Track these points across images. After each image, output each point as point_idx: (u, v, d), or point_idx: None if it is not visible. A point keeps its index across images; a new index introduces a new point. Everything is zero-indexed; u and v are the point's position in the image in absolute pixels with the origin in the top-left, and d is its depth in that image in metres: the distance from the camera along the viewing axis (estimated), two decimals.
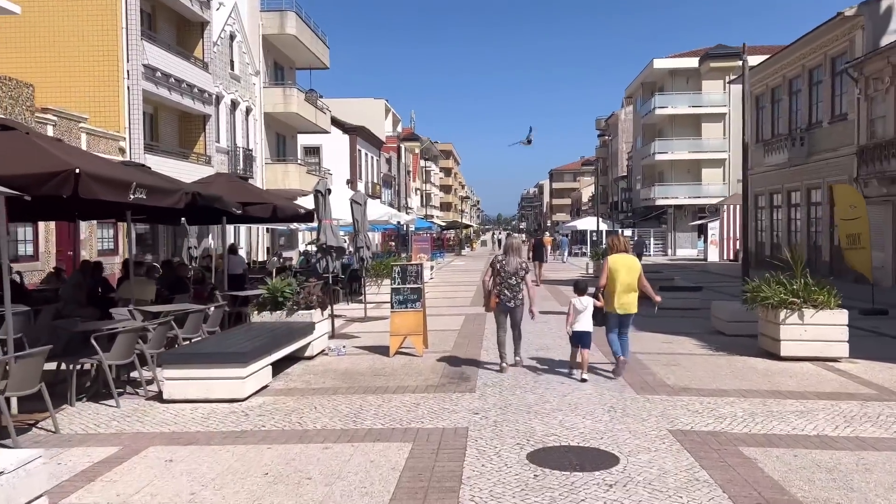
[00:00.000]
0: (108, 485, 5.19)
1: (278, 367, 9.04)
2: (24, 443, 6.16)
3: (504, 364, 9.05)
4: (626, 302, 8.69)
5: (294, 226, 27.74)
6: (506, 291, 9.02)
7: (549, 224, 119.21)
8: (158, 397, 7.75)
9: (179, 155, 23.74)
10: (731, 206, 38.85)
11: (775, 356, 9.66)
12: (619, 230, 47.92)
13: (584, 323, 8.70)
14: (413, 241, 33.36)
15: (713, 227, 40.72)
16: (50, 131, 16.65)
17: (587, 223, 50.73)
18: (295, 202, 16.97)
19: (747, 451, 5.74)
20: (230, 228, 25.90)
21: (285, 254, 30.67)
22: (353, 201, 14.12)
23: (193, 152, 24.78)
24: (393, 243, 40.36)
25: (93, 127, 18.82)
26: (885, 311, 14.43)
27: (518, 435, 6.23)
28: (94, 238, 18.88)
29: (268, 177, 30.96)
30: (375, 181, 51.72)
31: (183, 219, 14.31)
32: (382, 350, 10.54)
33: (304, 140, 39.66)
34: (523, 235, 66.63)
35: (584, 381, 8.36)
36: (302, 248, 32.67)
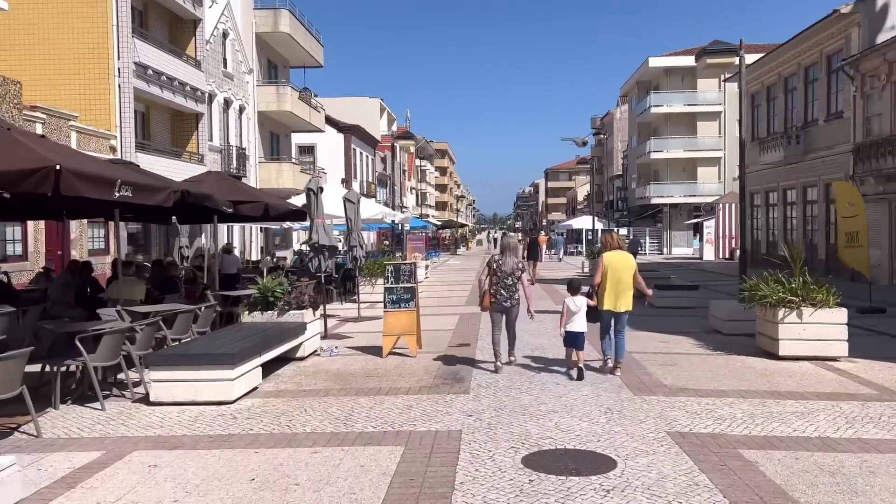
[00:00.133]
0: (88, 492, 5.02)
1: (269, 368, 8.87)
2: (4, 448, 5.98)
3: (499, 363, 8.98)
4: (621, 299, 8.64)
5: (288, 225, 27.51)
6: (502, 291, 8.93)
7: (544, 223, 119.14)
8: (145, 400, 7.57)
9: (172, 154, 23.52)
10: (727, 205, 38.78)
11: (774, 355, 9.53)
12: (615, 229, 47.83)
13: (578, 324, 8.63)
14: (408, 240, 33.16)
15: (709, 226, 40.66)
16: (39, 129, 16.42)
17: (583, 222, 50.55)
18: (288, 201, 16.79)
19: (748, 454, 5.60)
20: (223, 228, 25.70)
21: (280, 253, 30.48)
22: (346, 200, 13.95)
23: (186, 151, 24.55)
24: (387, 242, 40.20)
25: (83, 125, 18.59)
26: (882, 310, 14.33)
27: (513, 438, 6.08)
28: (84, 237, 18.66)
29: (261, 175, 30.75)
30: (370, 180, 51.52)
31: (174, 218, 14.12)
32: (376, 350, 10.37)
33: (298, 139, 39.44)
34: (519, 234, 66.55)
35: (580, 378, 8.34)
36: (296, 247, 32.46)
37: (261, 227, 30.98)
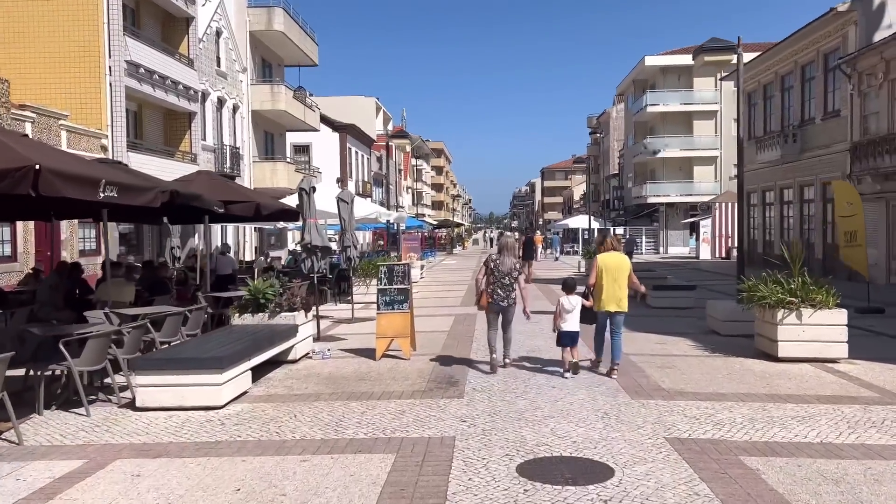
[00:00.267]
0: (67, 503, 4.84)
1: (260, 371, 8.70)
2: None
3: (494, 357, 8.98)
4: (616, 301, 8.67)
5: (282, 225, 27.32)
6: (499, 291, 8.86)
7: (540, 222, 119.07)
8: (132, 405, 7.39)
9: (164, 153, 23.29)
10: (723, 204, 38.69)
11: (772, 357, 9.39)
12: (611, 228, 47.75)
13: (572, 323, 8.58)
14: (403, 239, 32.98)
15: (705, 225, 40.56)
16: (28, 128, 16.21)
17: (579, 221, 50.53)
18: (282, 201, 16.61)
19: (748, 461, 5.45)
20: (216, 228, 25.49)
21: (274, 253, 30.24)
22: (339, 199, 13.77)
23: (179, 150, 24.33)
24: (381, 242, 39.98)
25: (73, 124, 18.37)
26: (881, 310, 14.21)
27: (507, 445, 5.91)
28: (75, 238, 18.44)
29: (255, 175, 30.53)
30: (366, 180, 51.33)
31: (165, 218, 13.93)
32: (369, 353, 10.20)
33: (293, 138, 39.23)
34: (515, 234, 66.27)
35: (576, 373, 8.53)
36: (291, 247, 32.26)
37: (255, 228, 30.76)
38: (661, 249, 49.84)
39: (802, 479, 5.06)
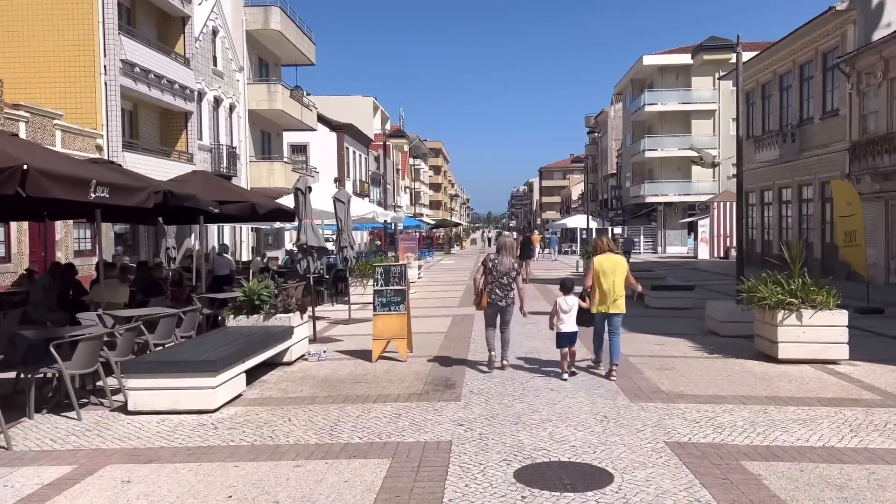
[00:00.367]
0: None
1: (255, 373, 8.60)
2: None
3: (492, 355, 8.96)
4: (613, 302, 8.63)
5: (279, 225, 27.20)
6: (496, 290, 8.83)
7: (538, 222, 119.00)
8: (124, 408, 7.28)
9: (161, 153, 23.15)
10: (721, 204, 38.63)
11: (773, 359, 9.31)
12: (609, 228, 47.70)
13: (570, 324, 8.53)
14: (400, 239, 32.87)
15: (703, 225, 40.49)
16: (22, 128, 16.08)
17: (577, 221, 50.42)
18: (278, 201, 16.50)
19: (750, 466, 5.35)
20: (213, 228, 25.36)
21: (272, 253, 30.11)
22: (336, 199, 13.67)
23: (175, 150, 24.19)
24: (379, 242, 39.86)
25: (68, 124, 18.24)
26: (881, 310, 14.13)
27: (505, 449, 5.81)
28: (70, 238, 18.31)
29: (252, 175, 30.40)
30: (364, 179, 51.19)
31: (160, 218, 13.81)
32: (365, 354, 10.10)
33: (290, 138, 39.08)
34: (514, 233, 66.06)
35: (573, 374, 8.52)
36: (289, 247, 32.13)
37: (252, 228, 30.63)
38: (660, 249, 49.78)
39: (805, 485, 4.96)
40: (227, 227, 27.41)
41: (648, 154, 49.55)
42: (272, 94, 31.06)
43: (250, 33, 30.67)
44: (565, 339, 8.55)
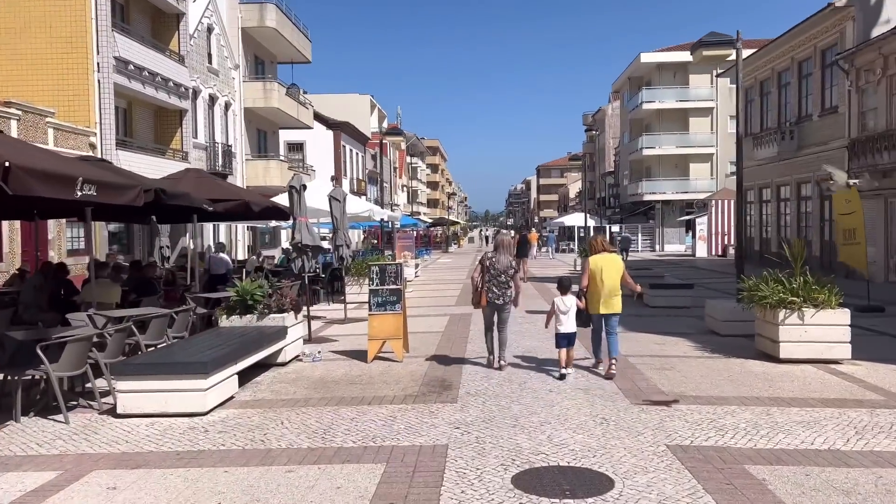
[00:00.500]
0: None
1: (248, 374, 8.45)
2: None
3: (491, 358, 8.91)
4: (610, 303, 8.55)
5: (275, 223, 27.01)
6: (494, 289, 8.76)
7: (536, 220, 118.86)
8: (113, 411, 7.12)
9: (155, 151, 22.96)
10: (719, 201, 38.52)
11: (774, 358, 9.17)
12: (607, 226, 47.57)
13: (569, 325, 8.41)
14: (397, 238, 32.71)
15: (701, 223, 40.40)
16: (13, 126, 15.89)
17: (574, 219, 50.27)
18: (274, 199, 16.33)
19: (754, 470, 5.21)
20: (209, 227, 25.19)
21: (268, 252, 29.93)
22: (331, 198, 13.51)
23: (170, 148, 24.00)
24: (375, 241, 39.66)
25: (61, 122, 18.05)
26: (881, 309, 14.01)
27: (502, 453, 5.67)
28: (62, 237, 18.13)
29: (248, 173, 30.23)
30: (361, 178, 51.01)
31: (153, 217, 13.64)
32: (360, 355, 9.95)
33: (286, 136, 38.90)
34: (511, 231, 65.86)
35: (563, 376, 8.33)
36: (285, 245, 31.94)
37: (248, 227, 30.45)
38: (657, 247, 49.67)
39: (811, 490, 4.82)
40: (222, 226, 27.24)
41: (646, 152, 49.44)
42: (268, 92, 30.88)
43: (246, 30, 30.47)
44: (564, 340, 8.43)
